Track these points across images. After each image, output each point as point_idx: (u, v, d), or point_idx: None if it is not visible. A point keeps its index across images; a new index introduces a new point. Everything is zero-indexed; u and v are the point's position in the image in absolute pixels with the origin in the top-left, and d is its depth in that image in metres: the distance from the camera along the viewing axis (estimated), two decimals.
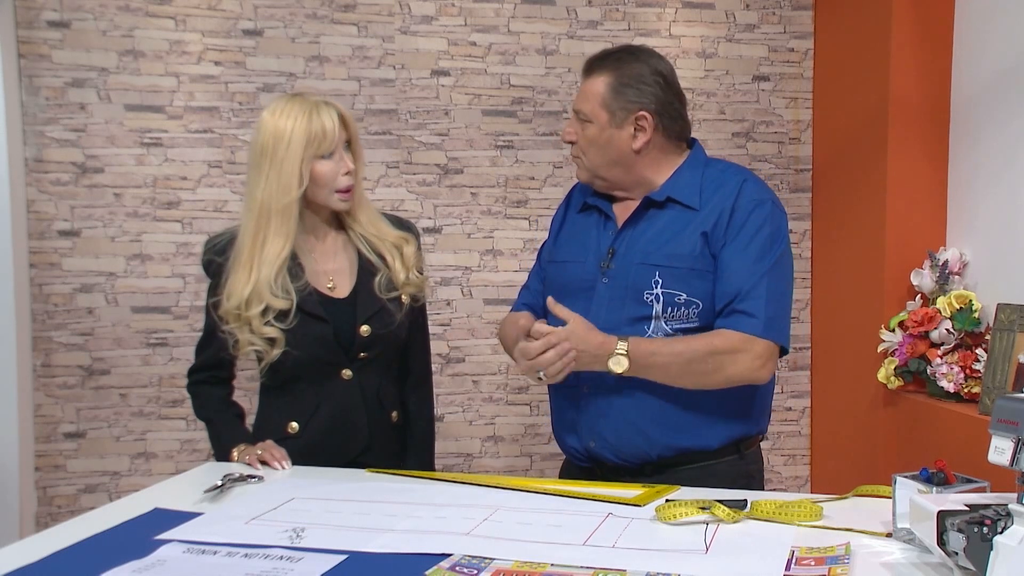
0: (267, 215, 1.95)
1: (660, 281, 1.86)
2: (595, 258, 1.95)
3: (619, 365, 1.78)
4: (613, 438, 1.90)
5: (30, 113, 3.14)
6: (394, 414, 2.12)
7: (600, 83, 1.89)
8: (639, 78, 1.90)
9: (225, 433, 2.04)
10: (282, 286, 1.95)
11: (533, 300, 2.14)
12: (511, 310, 2.19)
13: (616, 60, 1.91)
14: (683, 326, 1.85)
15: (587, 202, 2.04)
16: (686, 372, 1.81)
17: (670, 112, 1.94)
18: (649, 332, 1.86)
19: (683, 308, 1.85)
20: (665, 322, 1.85)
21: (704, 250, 1.87)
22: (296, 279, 1.97)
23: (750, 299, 1.83)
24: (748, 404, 1.94)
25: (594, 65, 1.93)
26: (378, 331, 2.03)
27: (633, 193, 1.96)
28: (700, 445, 1.89)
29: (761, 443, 2.05)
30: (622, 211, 1.97)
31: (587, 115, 1.90)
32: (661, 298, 1.86)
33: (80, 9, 3.15)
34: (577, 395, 1.92)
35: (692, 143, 2.02)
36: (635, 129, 1.90)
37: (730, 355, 1.81)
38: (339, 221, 2.09)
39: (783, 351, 1.89)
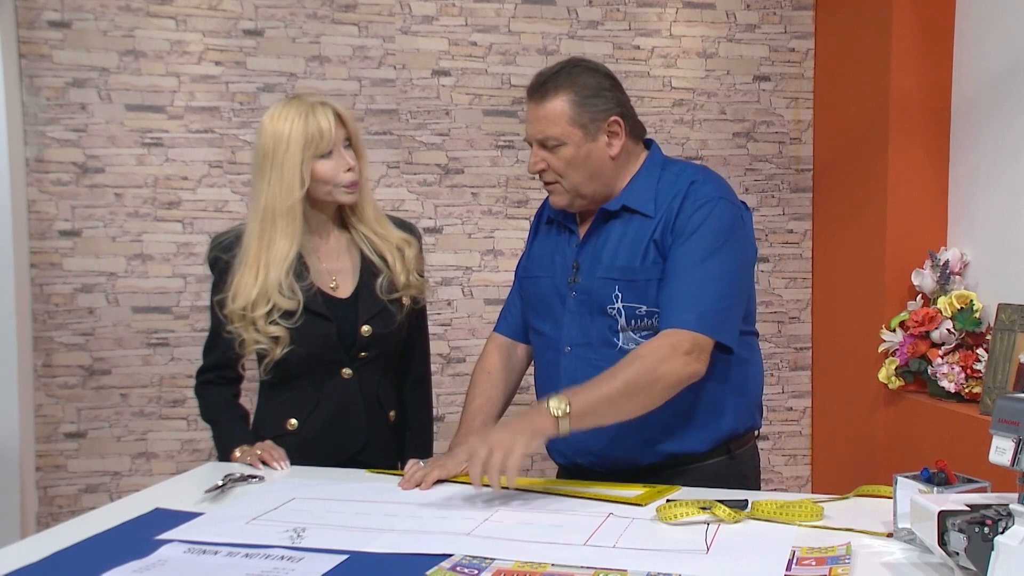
0: (272, 217, 1.96)
1: (620, 295, 1.83)
2: (562, 273, 1.94)
3: (564, 424, 1.66)
4: (601, 451, 1.88)
5: (31, 113, 3.14)
6: (392, 414, 2.13)
7: (561, 102, 1.83)
8: (598, 87, 1.86)
9: (227, 434, 2.05)
10: (289, 286, 1.96)
11: (515, 322, 2.12)
12: (494, 329, 2.17)
13: (567, 76, 1.85)
14: (650, 335, 1.82)
15: (550, 216, 2.02)
16: (632, 399, 1.71)
17: (631, 112, 1.92)
18: (620, 343, 1.84)
19: (645, 319, 1.83)
20: (633, 331, 1.84)
21: (657, 259, 1.83)
22: (301, 279, 1.98)
23: (681, 296, 1.77)
24: (734, 402, 1.91)
25: (545, 87, 1.85)
26: (379, 331, 2.04)
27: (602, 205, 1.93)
28: (688, 449, 1.87)
29: (759, 444, 2.03)
30: (583, 224, 1.96)
31: (558, 138, 1.84)
32: (623, 312, 1.84)
33: (81, 9, 3.15)
34: None
35: (649, 143, 1.98)
36: (608, 136, 1.87)
37: (658, 363, 1.72)
38: (343, 220, 2.10)
39: (724, 347, 1.81)
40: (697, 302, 1.76)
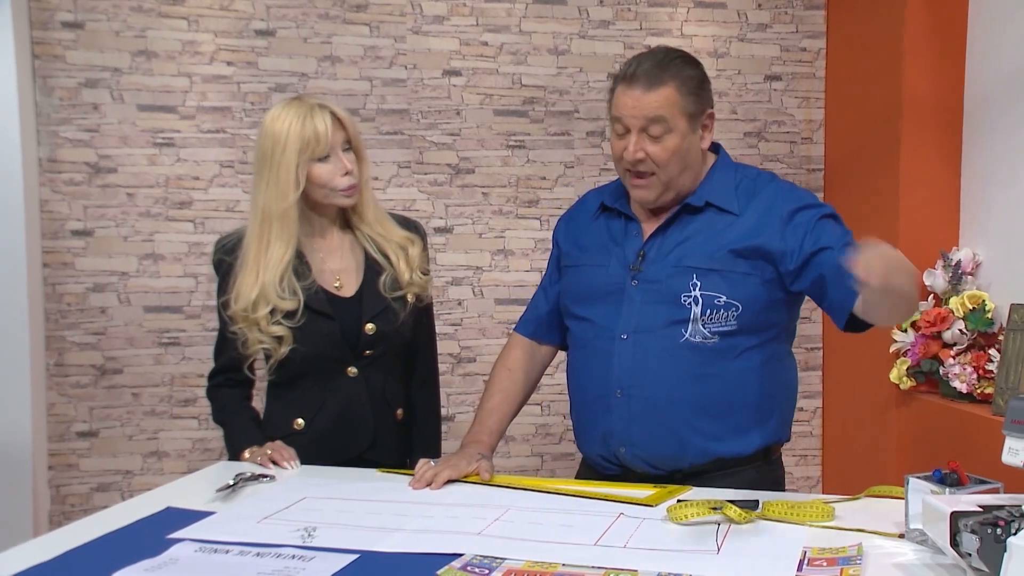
0: (269, 220, 1.96)
1: (699, 283, 1.82)
2: (619, 261, 1.92)
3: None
4: (647, 444, 1.86)
5: (44, 113, 3.15)
6: (399, 412, 2.13)
7: (670, 90, 1.82)
8: (701, 79, 1.87)
9: (238, 435, 2.06)
10: (288, 287, 1.96)
11: (541, 323, 2.11)
12: (515, 330, 2.16)
13: (676, 65, 1.85)
14: (721, 329, 1.82)
15: (606, 204, 1.99)
16: (914, 283, 1.68)
17: None
18: (686, 335, 1.83)
19: (722, 310, 1.82)
20: (703, 325, 1.82)
21: (753, 252, 1.84)
22: (303, 278, 1.98)
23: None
24: (780, 406, 1.92)
25: (654, 74, 1.82)
26: (383, 329, 2.04)
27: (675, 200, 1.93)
28: (735, 451, 1.87)
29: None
30: (645, 215, 1.94)
31: (668, 125, 1.82)
32: (700, 300, 1.82)
33: (94, 10, 3.16)
34: (608, 400, 1.88)
35: (717, 147, 1.99)
36: (702, 130, 1.88)
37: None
38: (346, 221, 2.10)
39: None
40: None
